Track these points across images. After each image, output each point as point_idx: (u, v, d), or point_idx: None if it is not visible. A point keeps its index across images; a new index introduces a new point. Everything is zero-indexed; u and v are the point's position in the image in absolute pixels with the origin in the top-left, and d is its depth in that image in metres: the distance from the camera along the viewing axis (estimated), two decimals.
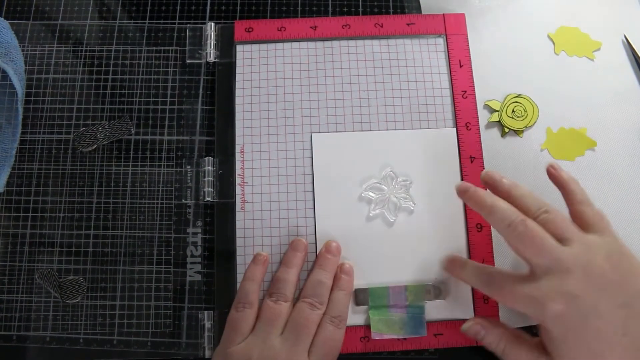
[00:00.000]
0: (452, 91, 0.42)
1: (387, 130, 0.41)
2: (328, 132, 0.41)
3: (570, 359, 0.31)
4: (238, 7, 0.45)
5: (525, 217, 0.32)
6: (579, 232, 0.33)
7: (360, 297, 0.38)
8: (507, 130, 0.42)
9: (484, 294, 0.37)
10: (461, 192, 0.35)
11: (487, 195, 0.34)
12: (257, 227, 0.39)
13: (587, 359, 0.31)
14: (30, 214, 0.40)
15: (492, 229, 0.39)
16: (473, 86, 0.42)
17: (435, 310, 0.38)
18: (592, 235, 0.33)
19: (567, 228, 0.33)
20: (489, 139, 0.42)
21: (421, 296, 0.38)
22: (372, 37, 0.43)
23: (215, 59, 0.43)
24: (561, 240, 0.32)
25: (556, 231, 0.32)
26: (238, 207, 0.40)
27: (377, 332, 0.37)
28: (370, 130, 0.41)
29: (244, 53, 0.43)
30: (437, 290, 0.38)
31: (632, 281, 0.31)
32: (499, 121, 0.42)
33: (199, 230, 0.40)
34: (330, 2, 0.45)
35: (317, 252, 0.39)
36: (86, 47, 0.44)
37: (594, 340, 0.31)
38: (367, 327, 0.38)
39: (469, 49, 0.43)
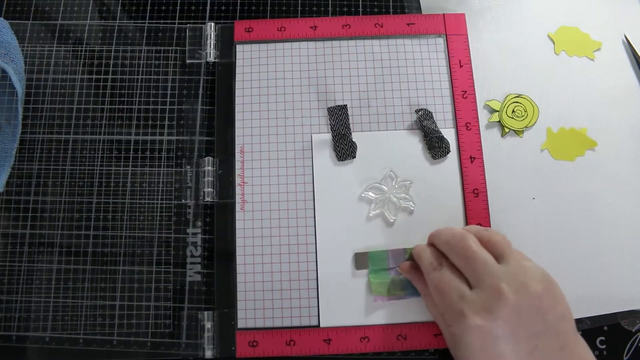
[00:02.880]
0: (452, 91, 0.42)
1: (387, 130, 0.41)
2: (328, 132, 0.41)
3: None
4: (238, 7, 0.45)
5: (465, 232, 0.34)
6: (516, 252, 0.33)
7: (360, 260, 0.38)
8: (507, 130, 0.42)
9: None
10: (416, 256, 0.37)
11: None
12: (257, 227, 0.39)
13: None
14: (30, 214, 0.40)
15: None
16: (473, 86, 0.42)
17: None
18: (526, 260, 0.33)
19: (505, 247, 0.33)
20: (489, 139, 0.42)
21: None
22: (372, 37, 0.43)
23: (215, 59, 0.43)
24: (497, 257, 0.33)
25: (494, 249, 0.33)
26: (238, 207, 0.40)
27: (378, 296, 0.38)
28: (370, 131, 0.41)
29: (244, 53, 0.43)
30: None
31: (558, 308, 0.32)
32: (499, 121, 0.42)
33: (199, 230, 0.40)
34: (330, 2, 0.45)
35: (317, 251, 0.39)
36: (86, 47, 0.44)
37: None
38: (367, 327, 0.38)
39: (469, 49, 0.43)
